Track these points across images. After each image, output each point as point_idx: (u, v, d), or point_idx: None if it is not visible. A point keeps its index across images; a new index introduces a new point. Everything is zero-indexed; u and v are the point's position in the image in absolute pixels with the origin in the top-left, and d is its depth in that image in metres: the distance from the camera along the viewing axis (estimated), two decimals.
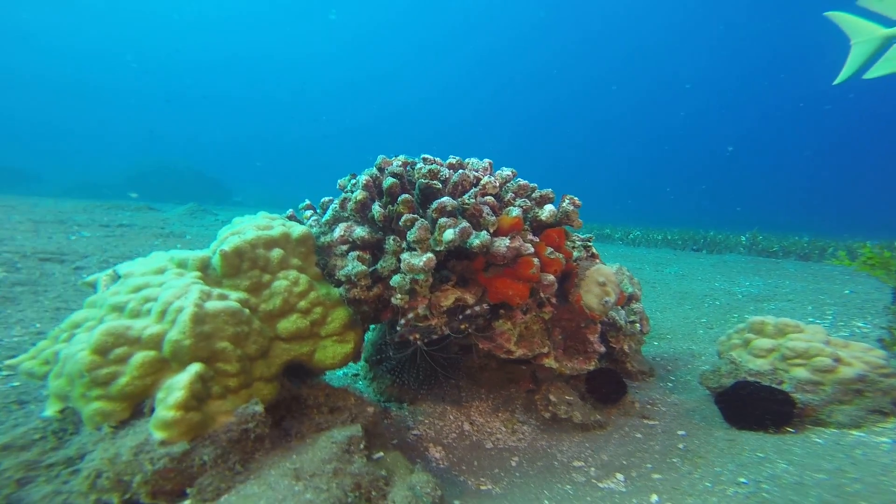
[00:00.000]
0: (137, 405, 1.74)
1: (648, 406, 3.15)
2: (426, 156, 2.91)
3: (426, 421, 3.00)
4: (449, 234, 2.23)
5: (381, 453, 2.26)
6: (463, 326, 2.59)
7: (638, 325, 3.61)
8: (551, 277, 2.54)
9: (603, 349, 2.92)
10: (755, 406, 2.54)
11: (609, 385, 3.01)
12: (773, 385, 2.62)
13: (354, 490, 1.82)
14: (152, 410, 1.70)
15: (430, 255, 2.24)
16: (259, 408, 1.86)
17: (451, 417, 3.04)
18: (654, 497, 2.23)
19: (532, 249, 2.46)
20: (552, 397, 2.95)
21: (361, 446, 2.04)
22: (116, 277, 2.12)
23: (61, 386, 1.80)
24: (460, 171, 2.66)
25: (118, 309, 1.92)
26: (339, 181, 3.03)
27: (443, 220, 2.31)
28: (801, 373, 2.61)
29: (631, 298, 3.76)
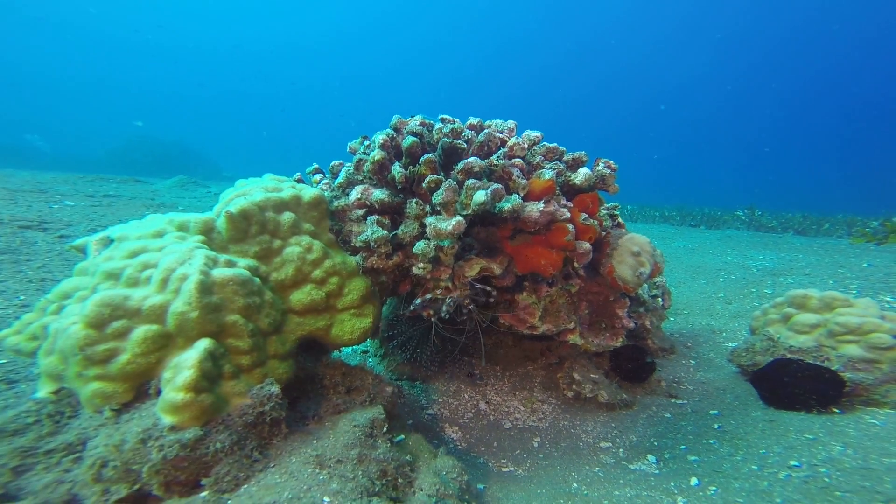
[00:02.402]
0: (141, 386, 1.53)
1: (675, 385, 3.01)
2: (444, 116, 2.68)
3: (440, 400, 2.86)
4: (480, 196, 2.02)
5: (403, 436, 2.10)
6: (467, 302, 2.39)
7: (660, 299, 3.45)
8: (587, 245, 2.34)
9: (632, 325, 2.76)
10: (799, 385, 2.39)
11: (636, 362, 2.86)
12: (818, 363, 2.47)
13: (381, 478, 1.66)
14: (158, 392, 1.50)
15: (459, 218, 2.03)
16: (276, 388, 1.67)
17: (466, 396, 2.90)
18: (694, 480, 2.09)
19: (568, 214, 2.25)
20: (576, 375, 2.80)
21: (384, 430, 1.88)
22: (109, 241, 1.88)
23: (54, 364, 1.58)
24: (485, 130, 2.44)
25: (113, 276, 1.69)
26: (349, 144, 2.80)
27: (471, 182, 2.09)
28: (853, 350, 2.46)
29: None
